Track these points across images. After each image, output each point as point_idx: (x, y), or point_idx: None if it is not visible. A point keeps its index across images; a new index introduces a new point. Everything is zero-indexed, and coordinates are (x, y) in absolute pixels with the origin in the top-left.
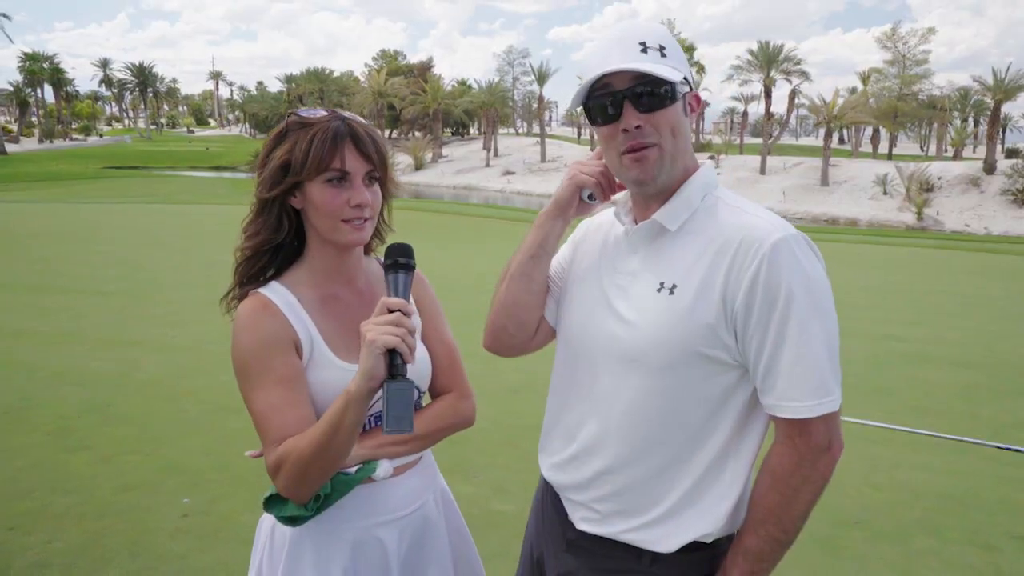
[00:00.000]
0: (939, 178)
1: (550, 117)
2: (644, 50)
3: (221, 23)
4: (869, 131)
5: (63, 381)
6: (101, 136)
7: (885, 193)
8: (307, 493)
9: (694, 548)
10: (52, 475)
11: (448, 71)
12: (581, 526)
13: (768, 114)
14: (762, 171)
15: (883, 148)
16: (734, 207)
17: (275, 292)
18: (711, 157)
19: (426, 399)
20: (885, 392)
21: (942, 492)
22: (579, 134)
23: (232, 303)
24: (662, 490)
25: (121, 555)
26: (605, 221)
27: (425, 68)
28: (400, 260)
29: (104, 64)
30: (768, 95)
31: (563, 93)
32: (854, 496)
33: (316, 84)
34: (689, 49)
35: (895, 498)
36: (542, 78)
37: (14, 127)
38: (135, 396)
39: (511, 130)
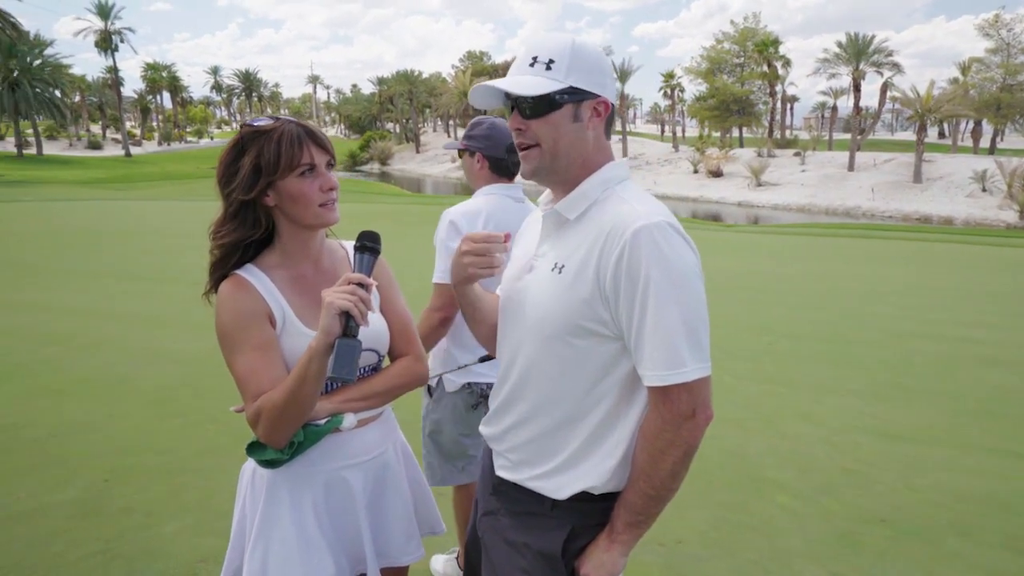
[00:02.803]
0: None
1: (634, 115)
2: (532, 64)
3: (321, 29)
4: (970, 125)
5: (164, 358)
6: (212, 139)
7: (984, 190)
8: (282, 438)
9: (586, 499)
10: (147, 437)
11: None
12: (498, 472)
13: (857, 108)
14: (850, 167)
15: (985, 143)
16: (622, 198)
17: (250, 273)
18: (796, 154)
19: (386, 362)
20: (950, 395)
21: (985, 496)
22: (662, 131)
23: (210, 296)
24: (556, 445)
25: (194, 507)
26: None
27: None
28: (368, 244)
29: (215, 71)
30: (857, 89)
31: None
32: (885, 495)
33: (406, 86)
34: (774, 43)
35: (930, 499)
36: (624, 76)
37: (137, 131)
38: (222, 372)
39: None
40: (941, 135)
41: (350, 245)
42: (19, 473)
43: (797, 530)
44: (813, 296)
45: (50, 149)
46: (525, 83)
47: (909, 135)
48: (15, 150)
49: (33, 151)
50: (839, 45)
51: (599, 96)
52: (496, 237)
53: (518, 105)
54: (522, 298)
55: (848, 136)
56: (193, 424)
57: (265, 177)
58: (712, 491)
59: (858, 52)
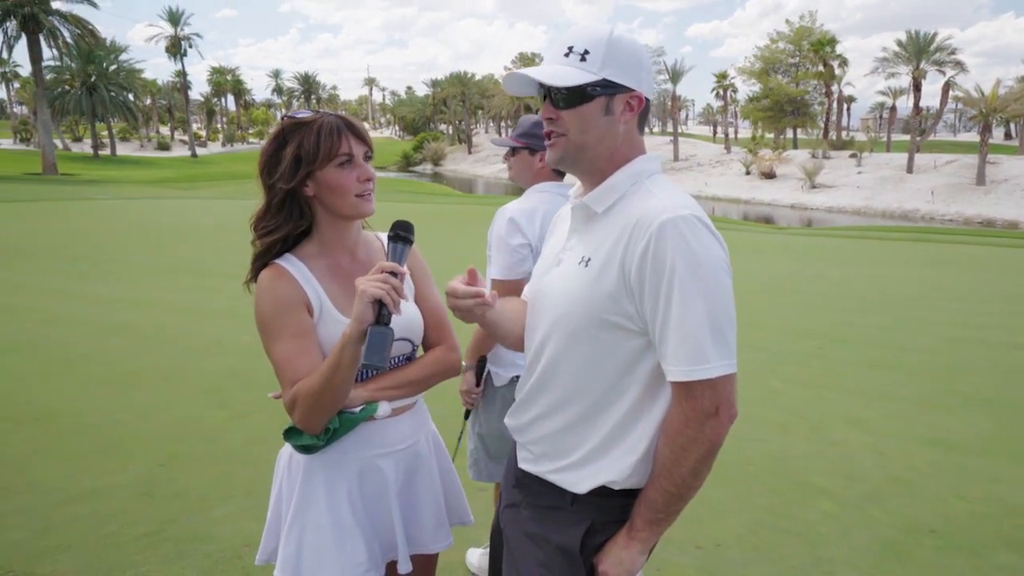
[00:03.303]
0: None
1: (686, 116)
2: (567, 54)
3: (377, 33)
4: None
5: (217, 350)
6: None
7: None
8: (318, 424)
9: (605, 493)
10: (198, 425)
11: None
12: (521, 464)
13: (916, 109)
14: (908, 169)
15: None
16: (650, 192)
17: (289, 262)
18: (852, 155)
19: (420, 352)
20: (1006, 405)
21: None
22: (714, 132)
23: (250, 284)
24: (578, 440)
25: (240, 493)
26: None
27: None
28: (401, 233)
29: (276, 74)
30: (917, 88)
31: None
32: (935, 505)
33: (458, 88)
34: (830, 42)
35: (982, 511)
36: (676, 77)
37: (203, 133)
38: (270, 367)
39: (646, 129)
40: (1007, 136)
41: (385, 236)
42: (81, 456)
43: (840, 538)
44: (866, 300)
45: (123, 150)
46: (558, 73)
47: (972, 136)
48: (91, 151)
49: (107, 152)
50: (899, 44)
51: (633, 90)
52: (479, 293)
53: (550, 95)
54: (549, 291)
55: (907, 137)
56: (241, 414)
57: (305, 167)
58: (753, 495)
59: (919, 51)
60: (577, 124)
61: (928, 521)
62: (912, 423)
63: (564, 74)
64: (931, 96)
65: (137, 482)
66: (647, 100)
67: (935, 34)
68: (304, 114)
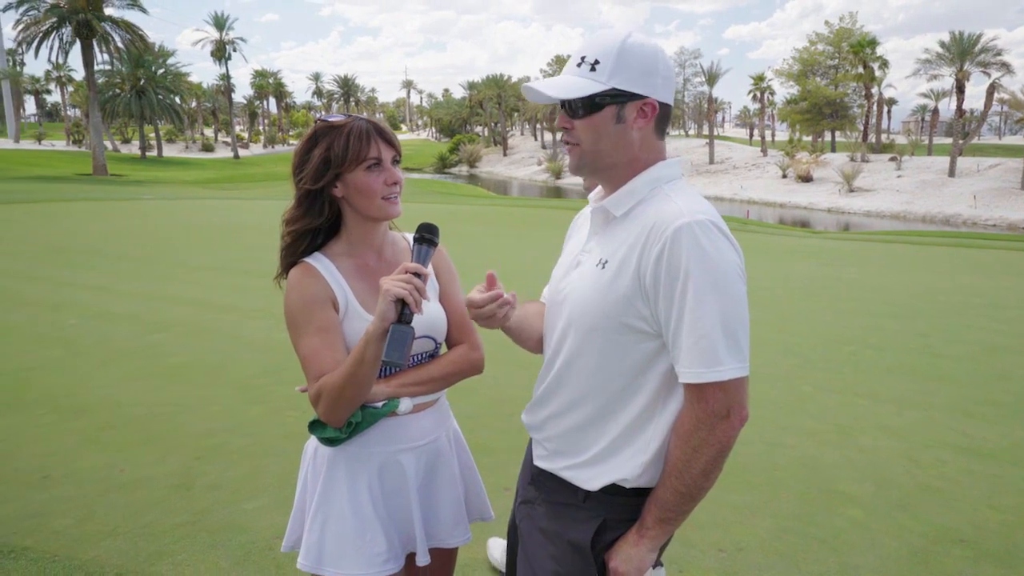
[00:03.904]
0: None
1: (722, 118)
2: (580, 64)
3: (416, 35)
4: None
5: (254, 348)
6: None
7: None
8: (341, 418)
9: (617, 492)
10: (233, 420)
11: None
12: (536, 462)
13: (960, 111)
14: (951, 173)
15: None
16: (668, 197)
17: (318, 260)
18: (892, 159)
19: (443, 351)
20: None
21: None
22: (750, 135)
23: (281, 280)
24: (591, 437)
25: (273, 488)
26: None
27: None
28: (426, 235)
29: (316, 77)
30: (961, 90)
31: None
32: (966, 514)
33: (495, 90)
34: (871, 43)
35: (1015, 521)
36: (712, 79)
37: (245, 135)
38: None
39: (681, 131)
40: None
41: (412, 237)
42: (122, 448)
43: (868, 546)
44: (902, 306)
45: (169, 151)
46: (565, 84)
47: (1018, 139)
48: (139, 152)
49: (154, 153)
50: (942, 45)
51: (646, 98)
52: (498, 295)
53: (563, 105)
54: (567, 292)
55: (949, 141)
56: (275, 410)
57: (333, 169)
58: (779, 500)
59: (963, 52)
60: (589, 133)
61: (959, 530)
62: (946, 431)
63: (571, 85)
64: (975, 98)
65: (174, 474)
66: (663, 105)
67: (980, 35)
68: (336, 118)
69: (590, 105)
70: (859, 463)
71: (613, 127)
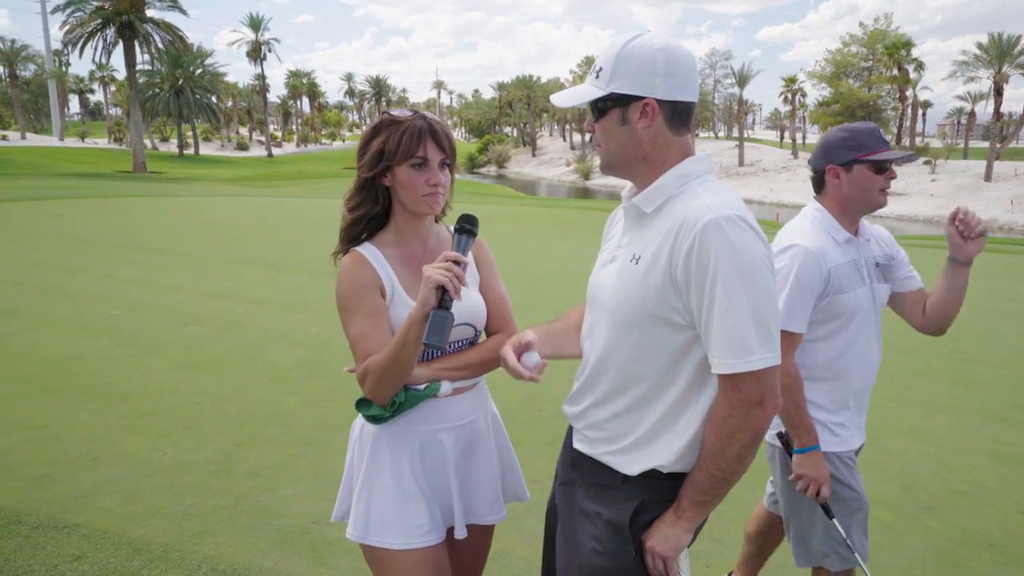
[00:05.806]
0: None
1: (753, 120)
2: (591, 70)
3: (446, 36)
4: None
5: (287, 341)
6: (344, 141)
7: None
8: (385, 396)
9: (655, 476)
10: (268, 410)
11: None
12: (576, 446)
13: (997, 114)
14: (987, 177)
15: None
16: (697, 193)
17: (367, 249)
18: (926, 162)
19: (482, 338)
20: None
21: None
22: (781, 137)
23: (338, 256)
24: (630, 426)
25: (308, 474)
26: None
27: None
28: (466, 226)
29: (349, 78)
30: (999, 93)
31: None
32: (996, 519)
33: (524, 91)
34: (905, 45)
35: None
36: (742, 81)
37: (279, 134)
38: (338, 357)
39: (710, 134)
40: None
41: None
42: (164, 434)
43: (895, 547)
44: None
45: (205, 150)
46: (574, 93)
47: None
48: (177, 150)
49: (191, 151)
50: (979, 46)
51: (644, 98)
52: (523, 375)
53: (589, 110)
54: (604, 287)
55: (986, 144)
56: (309, 401)
57: (384, 161)
58: None
59: (1001, 53)
60: (603, 136)
61: (988, 534)
62: (976, 436)
63: (579, 93)
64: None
65: (214, 459)
66: (670, 103)
67: (1020, 36)
68: (400, 113)
69: (599, 109)
70: (887, 466)
71: (619, 129)
